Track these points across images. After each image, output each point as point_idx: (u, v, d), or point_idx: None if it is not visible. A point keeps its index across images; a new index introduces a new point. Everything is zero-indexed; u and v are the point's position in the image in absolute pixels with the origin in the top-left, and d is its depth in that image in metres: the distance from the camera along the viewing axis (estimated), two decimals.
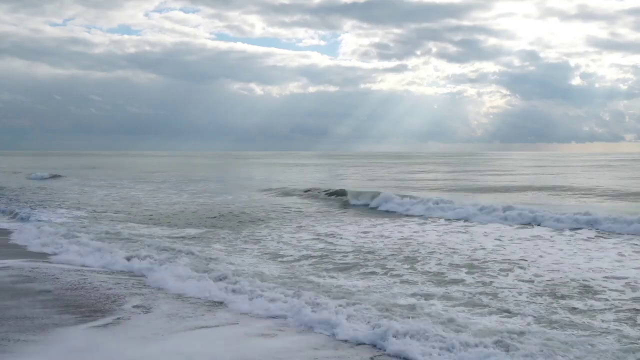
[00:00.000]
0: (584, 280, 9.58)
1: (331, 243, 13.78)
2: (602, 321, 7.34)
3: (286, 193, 29.30)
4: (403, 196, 22.49)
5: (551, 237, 14.66)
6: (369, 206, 22.81)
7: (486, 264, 11.08)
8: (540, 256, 11.95)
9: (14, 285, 9.23)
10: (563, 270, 10.40)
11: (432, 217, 19.07)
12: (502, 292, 8.89)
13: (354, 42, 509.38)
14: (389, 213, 20.91)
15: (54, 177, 45.43)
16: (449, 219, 18.52)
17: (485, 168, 60.40)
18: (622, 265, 10.93)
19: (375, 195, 23.70)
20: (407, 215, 19.88)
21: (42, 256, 11.90)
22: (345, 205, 23.85)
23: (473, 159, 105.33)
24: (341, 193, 26.41)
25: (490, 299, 8.46)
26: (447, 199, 21.20)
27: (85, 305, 8.08)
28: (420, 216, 19.49)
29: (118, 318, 7.46)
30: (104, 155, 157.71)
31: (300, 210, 21.69)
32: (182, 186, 35.87)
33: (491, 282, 9.61)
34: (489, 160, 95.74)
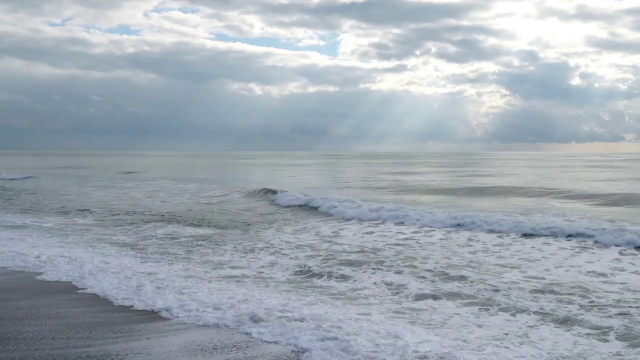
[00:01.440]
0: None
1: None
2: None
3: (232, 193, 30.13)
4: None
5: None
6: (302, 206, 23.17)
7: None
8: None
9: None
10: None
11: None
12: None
13: (353, 42, 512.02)
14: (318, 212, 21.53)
15: (26, 178, 44.24)
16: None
17: (476, 169, 61.21)
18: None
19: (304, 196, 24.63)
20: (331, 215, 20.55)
21: None
22: (273, 205, 24.48)
23: (469, 160, 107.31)
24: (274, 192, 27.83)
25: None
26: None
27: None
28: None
29: None
30: (100, 156, 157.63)
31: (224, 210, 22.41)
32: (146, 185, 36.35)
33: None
34: (484, 161, 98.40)
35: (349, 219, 19.10)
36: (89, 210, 22.22)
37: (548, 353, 6.38)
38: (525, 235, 15.14)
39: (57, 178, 45.69)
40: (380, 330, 6.95)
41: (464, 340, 6.72)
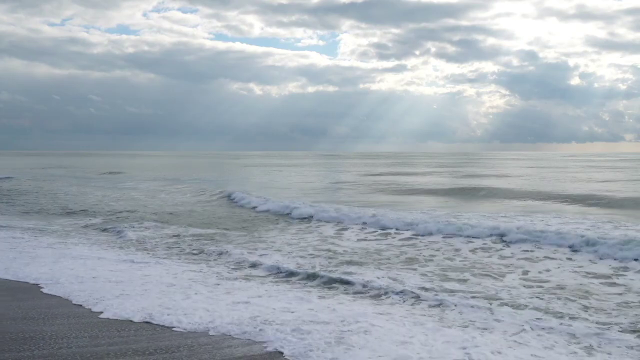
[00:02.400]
0: None
1: None
2: None
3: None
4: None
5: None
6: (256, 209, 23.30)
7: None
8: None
9: None
10: None
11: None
12: None
13: (352, 42, 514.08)
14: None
15: (4, 179, 43.87)
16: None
17: (467, 170, 61.73)
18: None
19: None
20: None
21: None
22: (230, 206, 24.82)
23: (465, 160, 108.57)
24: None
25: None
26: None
27: None
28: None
29: None
30: (96, 156, 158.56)
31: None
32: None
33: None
34: (480, 161, 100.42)
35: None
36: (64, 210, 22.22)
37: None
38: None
39: (41, 179, 45.48)
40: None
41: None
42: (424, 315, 8.03)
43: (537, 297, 9.05)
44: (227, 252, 13.24)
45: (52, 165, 79.16)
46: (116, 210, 22.89)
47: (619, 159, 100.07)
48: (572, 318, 7.91)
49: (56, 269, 10.78)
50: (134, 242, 14.89)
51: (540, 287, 9.82)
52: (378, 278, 10.43)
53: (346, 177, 48.65)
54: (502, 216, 18.65)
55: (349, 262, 12.02)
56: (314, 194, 30.37)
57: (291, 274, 10.92)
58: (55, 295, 8.82)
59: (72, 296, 8.72)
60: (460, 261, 12.25)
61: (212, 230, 17.21)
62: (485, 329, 7.43)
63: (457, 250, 13.55)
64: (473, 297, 9.05)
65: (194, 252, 13.45)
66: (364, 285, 9.89)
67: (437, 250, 13.62)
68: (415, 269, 11.34)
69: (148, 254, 13.21)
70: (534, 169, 62.82)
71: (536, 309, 8.37)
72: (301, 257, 12.63)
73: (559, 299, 8.98)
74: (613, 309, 8.44)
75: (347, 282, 10.16)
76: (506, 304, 8.63)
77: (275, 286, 9.87)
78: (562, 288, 9.74)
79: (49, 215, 21.47)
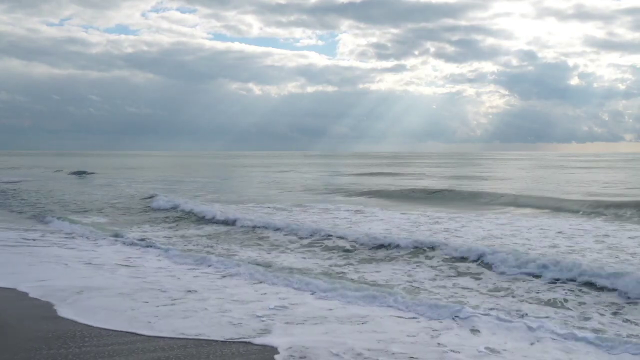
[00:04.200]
0: None
1: None
2: None
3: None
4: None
5: None
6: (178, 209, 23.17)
7: None
8: None
9: None
10: None
11: None
12: None
13: (351, 42, 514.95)
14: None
15: None
16: None
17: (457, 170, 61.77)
18: None
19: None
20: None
21: None
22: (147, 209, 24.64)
23: (462, 160, 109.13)
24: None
25: None
26: None
27: None
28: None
29: None
30: (90, 156, 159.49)
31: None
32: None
33: None
34: (475, 160, 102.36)
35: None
36: None
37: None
38: None
39: None
40: None
41: None
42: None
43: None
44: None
45: (26, 165, 78.27)
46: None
47: (617, 159, 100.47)
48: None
49: None
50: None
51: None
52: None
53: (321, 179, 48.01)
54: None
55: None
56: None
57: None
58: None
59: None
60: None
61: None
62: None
63: None
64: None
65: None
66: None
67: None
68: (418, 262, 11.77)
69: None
70: (532, 169, 63.11)
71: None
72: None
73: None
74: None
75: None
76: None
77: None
78: None
79: None
